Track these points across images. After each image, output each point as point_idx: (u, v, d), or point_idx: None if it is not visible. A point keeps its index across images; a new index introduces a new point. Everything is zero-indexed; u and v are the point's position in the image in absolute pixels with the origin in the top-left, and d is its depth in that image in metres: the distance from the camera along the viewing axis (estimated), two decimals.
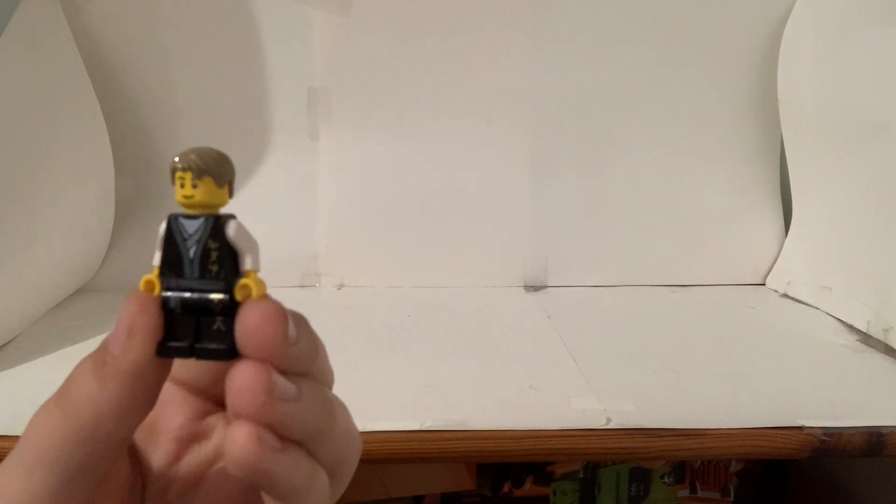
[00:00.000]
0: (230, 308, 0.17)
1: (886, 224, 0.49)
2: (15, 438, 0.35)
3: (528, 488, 0.66)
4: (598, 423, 0.37)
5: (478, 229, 0.63)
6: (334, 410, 0.19)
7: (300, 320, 0.18)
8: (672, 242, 0.64)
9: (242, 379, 0.16)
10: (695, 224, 0.64)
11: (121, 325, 0.17)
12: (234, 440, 0.16)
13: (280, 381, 0.17)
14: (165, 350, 0.17)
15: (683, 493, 0.67)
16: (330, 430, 0.18)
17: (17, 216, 0.47)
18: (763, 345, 0.50)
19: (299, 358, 0.17)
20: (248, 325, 0.16)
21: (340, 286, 0.61)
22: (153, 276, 0.17)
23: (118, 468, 0.20)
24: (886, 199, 0.49)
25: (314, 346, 0.18)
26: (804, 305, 0.58)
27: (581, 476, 0.66)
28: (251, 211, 0.69)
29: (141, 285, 0.17)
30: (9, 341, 0.48)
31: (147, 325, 0.17)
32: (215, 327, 0.17)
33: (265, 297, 0.17)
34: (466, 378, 0.43)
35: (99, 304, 0.57)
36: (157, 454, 0.21)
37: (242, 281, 0.17)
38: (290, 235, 0.62)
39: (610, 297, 0.61)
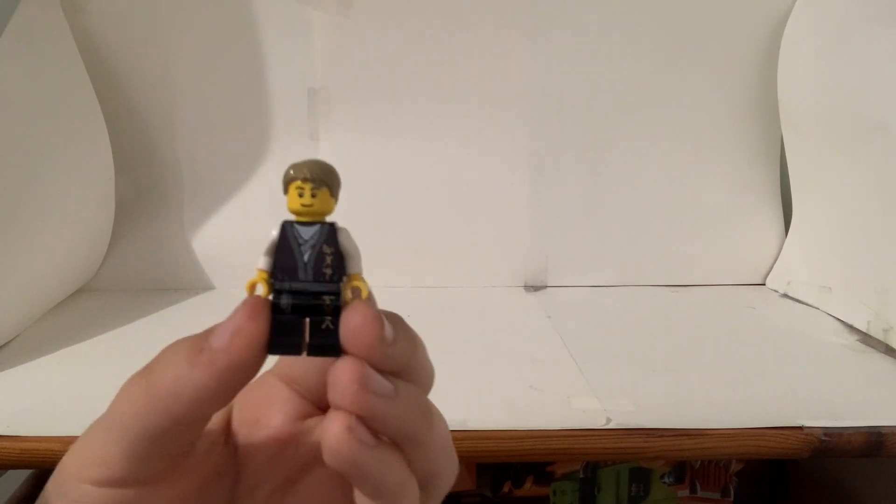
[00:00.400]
0: (338, 308, 0.18)
1: (886, 224, 0.49)
2: (15, 438, 0.35)
3: (528, 488, 0.66)
4: (598, 423, 0.37)
5: (478, 229, 0.63)
6: (432, 417, 0.19)
7: (397, 320, 0.19)
8: (672, 242, 0.64)
9: (340, 371, 0.17)
10: (695, 224, 0.64)
11: (229, 323, 0.18)
12: (328, 428, 0.17)
13: (375, 376, 0.18)
14: (276, 347, 0.18)
15: (683, 493, 0.67)
16: (425, 437, 0.19)
17: (17, 216, 0.47)
18: (763, 345, 0.50)
19: (396, 357, 0.18)
20: (350, 325, 0.18)
21: None
22: (259, 278, 0.19)
23: (208, 455, 0.21)
24: (886, 198, 0.49)
25: (412, 345, 0.19)
26: (804, 305, 0.58)
27: (581, 476, 0.66)
28: (251, 211, 0.69)
29: (246, 289, 0.19)
30: (9, 341, 0.48)
31: (253, 331, 0.18)
32: (324, 326, 0.18)
33: (368, 299, 0.18)
34: (466, 378, 0.43)
35: (99, 304, 0.57)
36: (256, 449, 0.22)
37: (353, 283, 0.18)
38: None
39: (610, 297, 0.61)
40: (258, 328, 0.18)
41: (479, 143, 0.63)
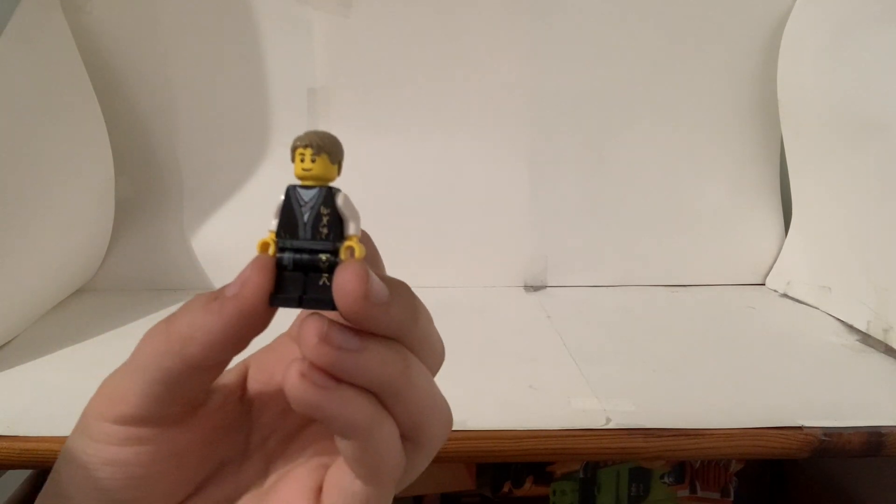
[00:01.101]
0: (334, 266, 0.19)
1: (886, 224, 0.49)
2: (15, 438, 0.35)
3: (528, 488, 0.66)
4: (598, 423, 0.37)
5: (478, 229, 0.63)
6: (409, 373, 0.20)
7: (399, 287, 0.20)
8: (672, 242, 0.64)
9: (306, 324, 0.19)
10: (695, 224, 0.64)
11: (240, 276, 0.20)
12: (286, 373, 0.19)
13: (339, 331, 0.19)
14: (276, 300, 0.20)
15: (683, 493, 0.67)
16: (400, 390, 0.20)
17: (16, 216, 0.47)
18: (763, 345, 0.50)
19: (389, 319, 0.19)
20: (339, 281, 0.19)
21: None
22: (269, 238, 0.20)
23: (222, 408, 0.23)
24: (886, 199, 0.49)
25: (411, 312, 0.21)
26: (804, 305, 0.58)
27: (581, 476, 0.66)
28: (251, 211, 0.69)
29: (258, 247, 0.20)
30: (9, 341, 0.48)
31: (260, 279, 0.20)
32: (321, 282, 0.20)
33: (362, 259, 0.20)
34: (466, 378, 0.43)
35: (99, 304, 0.57)
36: (268, 404, 0.24)
37: (347, 243, 0.20)
38: None
39: (610, 297, 0.61)
40: (264, 279, 0.20)
41: (479, 143, 0.63)
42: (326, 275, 0.20)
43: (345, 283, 0.18)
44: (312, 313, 0.19)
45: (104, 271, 0.61)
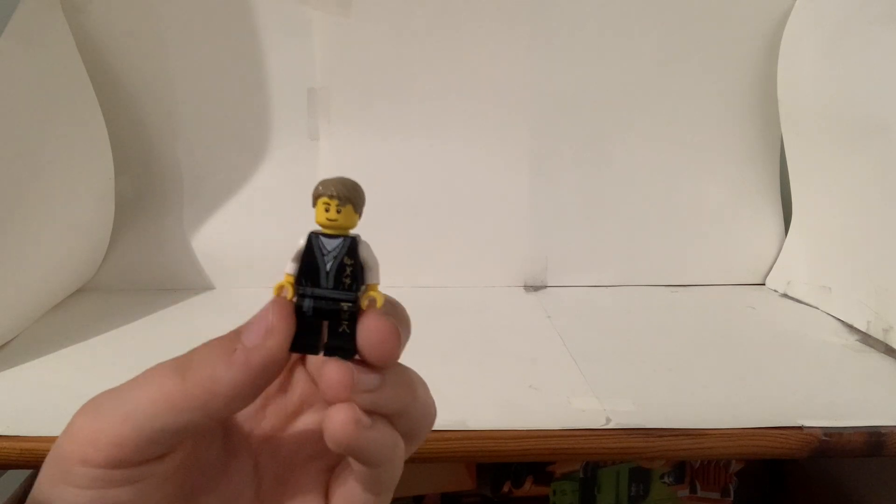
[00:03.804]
0: (355, 314, 0.20)
1: (886, 224, 0.49)
2: (15, 438, 0.35)
3: (528, 488, 0.66)
4: (598, 423, 0.37)
5: (478, 229, 0.63)
6: (415, 389, 0.21)
7: (400, 318, 0.21)
8: (672, 242, 0.64)
9: (331, 376, 0.19)
10: (695, 224, 0.64)
11: (259, 322, 0.20)
12: (333, 420, 0.19)
13: (363, 377, 0.19)
14: (298, 346, 0.20)
15: (683, 493, 0.67)
16: (410, 406, 0.21)
17: (16, 216, 0.47)
18: (763, 345, 0.50)
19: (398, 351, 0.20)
20: (370, 338, 0.19)
21: None
22: (286, 282, 0.20)
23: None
24: (886, 199, 0.49)
25: (408, 332, 0.21)
26: (804, 305, 0.58)
27: (581, 476, 0.66)
28: (251, 211, 0.69)
29: (274, 291, 0.20)
30: (9, 341, 0.48)
31: (285, 329, 0.19)
32: (341, 329, 0.20)
33: (383, 308, 0.20)
34: (466, 378, 0.43)
35: (99, 304, 0.57)
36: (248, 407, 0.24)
37: (370, 293, 0.20)
38: (290, 235, 0.61)
39: (610, 297, 0.61)
40: (288, 327, 0.19)
41: (479, 142, 0.63)
42: (346, 322, 0.20)
43: (374, 335, 0.19)
44: (330, 361, 0.20)
45: (104, 271, 0.61)
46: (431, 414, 0.22)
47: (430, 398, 0.22)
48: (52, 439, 0.35)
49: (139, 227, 0.62)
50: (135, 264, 0.61)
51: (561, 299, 0.60)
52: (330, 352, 0.20)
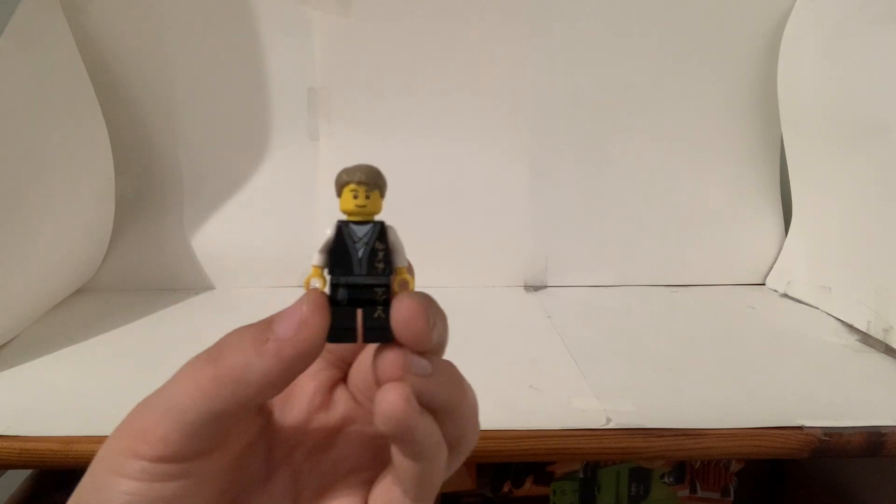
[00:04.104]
0: (388, 299, 0.20)
1: (886, 224, 0.49)
2: (15, 438, 0.35)
3: (528, 488, 0.66)
4: (598, 423, 0.37)
5: (478, 229, 0.63)
6: (465, 388, 0.22)
7: (431, 302, 0.21)
8: (672, 242, 0.64)
9: (386, 362, 0.20)
10: (695, 224, 0.64)
11: (293, 313, 0.20)
12: (385, 397, 0.19)
13: (415, 360, 0.20)
14: (335, 336, 0.20)
15: (683, 493, 0.67)
16: (459, 405, 0.21)
17: (17, 216, 0.47)
18: (763, 345, 0.50)
19: (435, 338, 0.21)
20: (401, 316, 0.20)
21: None
22: (315, 274, 0.20)
23: (244, 427, 0.22)
24: (886, 199, 0.49)
25: (445, 323, 0.22)
26: (804, 305, 0.58)
27: (581, 476, 0.66)
28: (251, 211, 0.69)
29: (304, 284, 0.20)
30: (9, 341, 0.48)
31: (320, 321, 0.20)
32: (376, 315, 0.20)
33: (414, 290, 0.21)
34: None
35: (99, 304, 0.57)
36: (290, 417, 0.24)
37: (402, 276, 0.20)
38: (290, 235, 0.62)
39: (610, 297, 0.61)
40: (323, 319, 0.20)
41: (479, 143, 0.63)
42: (381, 307, 0.20)
43: (409, 318, 0.20)
44: (386, 347, 0.20)
45: (104, 271, 0.61)
46: (477, 426, 0.23)
47: (477, 408, 0.23)
48: (52, 439, 0.35)
49: (139, 227, 0.62)
50: (135, 264, 0.61)
51: (561, 299, 0.60)
52: (368, 338, 0.20)
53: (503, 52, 0.62)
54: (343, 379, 0.25)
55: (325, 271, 0.20)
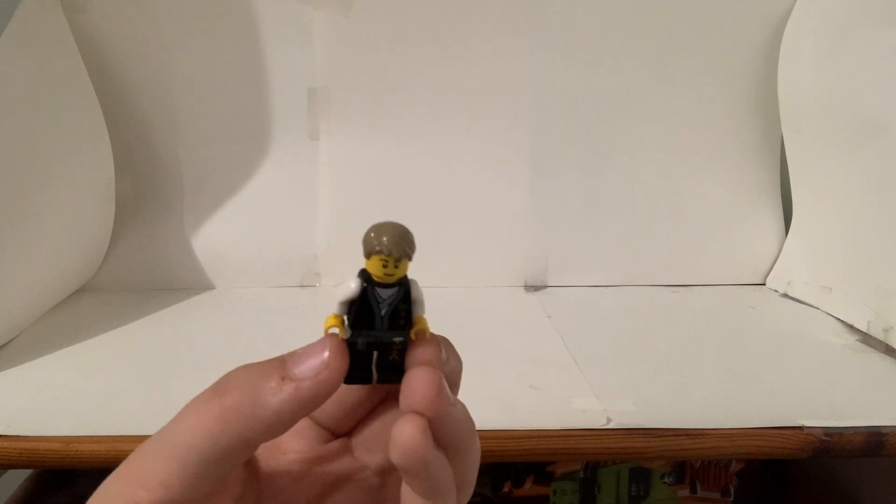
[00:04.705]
0: (405, 345, 0.21)
1: (887, 224, 0.49)
2: (15, 438, 0.35)
3: (528, 488, 0.66)
4: (598, 423, 0.37)
5: (478, 229, 0.63)
6: (474, 430, 0.22)
7: (448, 345, 0.22)
8: (672, 242, 0.64)
9: (420, 379, 0.20)
10: (695, 224, 0.64)
11: (313, 355, 0.20)
12: (403, 429, 0.19)
13: (446, 385, 0.20)
14: (351, 379, 0.20)
15: (683, 493, 0.67)
16: (469, 446, 0.21)
17: (17, 216, 0.47)
18: (763, 345, 0.50)
19: (450, 375, 0.21)
20: (419, 360, 0.20)
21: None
22: (336, 323, 0.21)
23: (231, 479, 0.22)
24: (887, 199, 0.49)
25: (460, 365, 0.22)
26: (804, 305, 0.58)
27: (581, 476, 0.66)
28: (251, 211, 0.69)
29: (326, 322, 0.21)
30: (9, 341, 0.48)
31: (340, 367, 0.20)
32: (391, 358, 0.21)
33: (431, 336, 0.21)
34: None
35: (99, 304, 0.57)
36: (279, 473, 0.23)
37: (419, 326, 0.21)
38: (290, 235, 0.62)
39: (610, 297, 0.61)
40: (343, 364, 0.20)
41: (479, 143, 0.63)
42: (397, 352, 0.21)
43: (423, 358, 0.20)
44: (420, 367, 0.20)
45: (104, 271, 0.61)
46: (477, 470, 0.23)
47: (478, 462, 0.23)
48: (52, 439, 0.35)
49: (139, 227, 0.62)
50: (135, 264, 0.61)
51: (561, 299, 0.60)
52: (383, 380, 0.21)
53: (503, 51, 0.62)
54: (337, 434, 0.25)
55: (345, 319, 0.21)
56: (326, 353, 0.20)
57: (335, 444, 0.24)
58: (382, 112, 0.62)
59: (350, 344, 0.20)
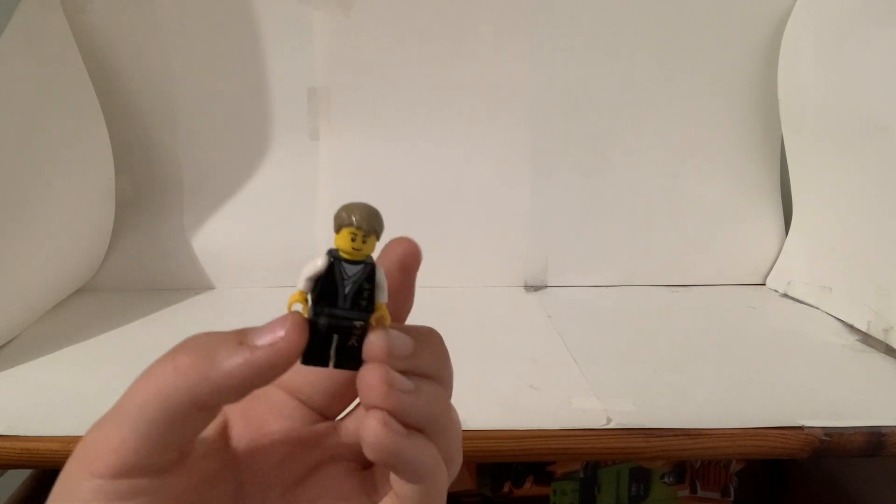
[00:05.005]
0: (365, 331, 0.21)
1: (887, 224, 0.49)
2: (15, 438, 0.35)
3: (528, 488, 0.66)
4: (598, 423, 0.37)
5: (478, 229, 0.63)
6: (451, 409, 0.22)
7: (426, 336, 0.22)
8: (672, 242, 0.64)
9: (369, 375, 0.20)
10: (695, 224, 0.64)
11: (272, 327, 0.20)
12: (366, 425, 0.19)
13: (397, 376, 0.20)
14: (309, 360, 0.21)
15: (683, 493, 0.67)
16: (446, 424, 0.21)
17: (17, 216, 0.47)
18: (763, 345, 0.50)
19: (420, 367, 0.21)
20: (372, 348, 0.20)
21: None
22: (300, 298, 0.21)
23: (206, 458, 0.22)
24: (887, 198, 0.49)
25: (439, 355, 0.22)
26: (804, 305, 0.58)
27: (581, 476, 0.66)
28: (251, 211, 0.69)
29: (288, 304, 0.21)
30: (9, 341, 0.48)
31: (295, 339, 0.20)
32: (349, 343, 0.21)
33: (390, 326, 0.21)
34: (466, 378, 0.42)
35: (99, 304, 0.57)
36: (262, 454, 0.23)
37: (380, 313, 0.21)
38: (290, 235, 0.62)
39: (610, 297, 0.61)
40: (300, 338, 0.20)
41: (479, 143, 0.63)
42: (356, 337, 0.21)
43: (377, 345, 0.20)
44: (370, 363, 0.20)
45: (104, 271, 0.61)
46: (460, 449, 0.23)
47: (461, 431, 0.23)
48: (52, 439, 0.35)
49: (139, 227, 0.62)
50: (135, 264, 0.61)
51: (561, 299, 0.60)
52: (339, 364, 0.21)
53: (503, 51, 0.62)
54: (324, 416, 0.25)
55: (310, 297, 0.21)
56: (285, 328, 0.20)
57: (322, 426, 0.24)
58: (382, 112, 0.62)
59: (311, 323, 0.20)
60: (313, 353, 0.20)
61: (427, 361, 0.21)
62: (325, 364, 0.21)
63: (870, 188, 0.51)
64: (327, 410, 0.24)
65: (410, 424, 0.20)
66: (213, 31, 0.60)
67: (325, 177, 0.62)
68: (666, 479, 0.67)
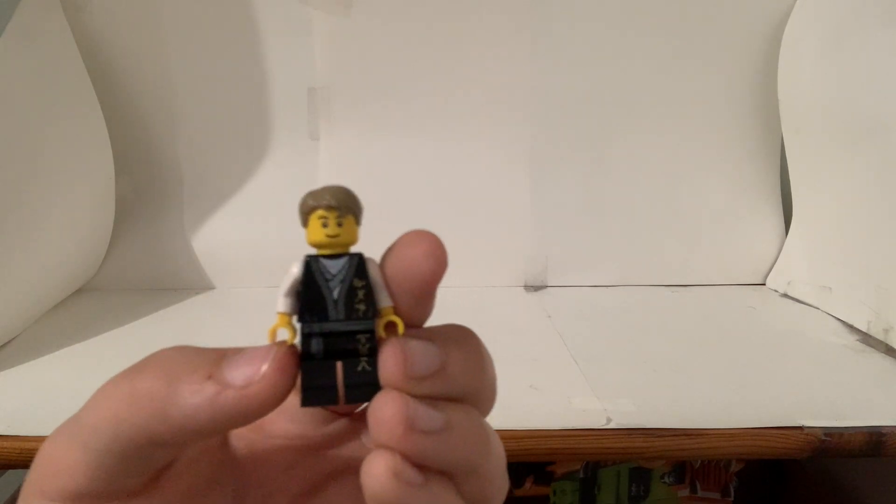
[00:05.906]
0: (375, 348, 0.16)
1: (886, 224, 0.49)
2: (15, 438, 0.35)
3: (528, 488, 0.66)
4: (598, 423, 0.37)
5: (478, 229, 0.63)
6: (489, 444, 0.17)
7: (460, 341, 0.17)
8: (672, 242, 0.64)
9: (383, 409, 0.16)
10: (695, 224, 0.64)
11: (251, 360, 0.16)
12: (370, 472, 0.15)
13: (422, 412, 0.16)
14: (310, 398, 0.16)
15: (683, 493, 0.67)
16: (481, 465, 0.17)
17: (16, 216, 0.47)
18: (763, 345, 0.50)
19: (452, 388, 0.17)
20: (389, 368, 0.16)
21: None
22: (280, 324, 0.17)
23: (197, 463, 0.19)
24: (886, 199, 0.49)
25: (475, 366, 0.17)
26: (804, 305, 0.58)
27: (581, 476, 0.66)
28: (251, 211, 0.69)
29: (269, 335, 0.16)
30: (9, 341, 0.48)
31: (278, 383, 0.16)
32: (359, 368, 0.16)
33: (405, 333, 0.17)
34: None
35: (99, 304, 0.57)
36: (266, 458, 0.20)
37: (387, 318, 0.17)
38: (291, 235, 0.61)
39: (610, 297, 0.61)
40: (283, 380, 0.16)
41: (479, 142, 0.63)
42: (366, 358, 0.16)
43: (398, 364, 0.16)
44: (384, 391, 0.16)
45: (104, 271, 0.61)
46: (504, 482, 0.18)
47: (505, 461, 0.18)
48: None
49: (139, 227, 0.62)
50: (135, 264, 0.61)
51: (561, 299, 0.60)
52: (352, 397, 0.16)
53: (503, 51, 0.62)
54: (336, 411, 0.21)
55: (295, 319, 0.17)
56: (265, 365, 0.16)
57: (337, 425, 0.21)
58: (382, 112, 0.62)
59: (304, 352, 0.16)
60: (314, 390, 0.16)
61: (462, 378, 0.17)
62: (333, 401, 0.16)
63: (870, 188, 0.51)
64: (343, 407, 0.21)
65: (433, 469, 0.16)
66: (213, 31, 0.60)
67: (325, 177, 0.62)
68: (666, 479, 0.67)
